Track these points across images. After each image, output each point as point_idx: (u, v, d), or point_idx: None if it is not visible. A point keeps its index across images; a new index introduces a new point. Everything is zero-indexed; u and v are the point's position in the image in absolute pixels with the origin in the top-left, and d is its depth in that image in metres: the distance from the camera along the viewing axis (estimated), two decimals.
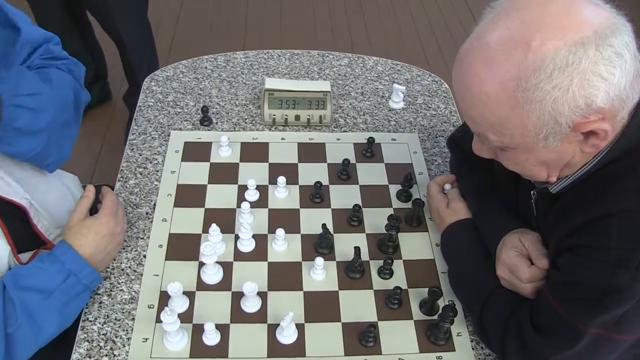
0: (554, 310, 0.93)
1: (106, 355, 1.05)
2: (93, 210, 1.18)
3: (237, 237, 1.24)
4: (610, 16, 0.79)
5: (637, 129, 0.85)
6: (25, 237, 1.14)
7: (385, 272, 1.20)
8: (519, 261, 1.02)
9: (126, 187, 1.36)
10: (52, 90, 1.12)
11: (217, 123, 1.54)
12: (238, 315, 1.12)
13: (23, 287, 1.01)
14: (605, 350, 0.91)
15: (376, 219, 1.30)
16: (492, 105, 0.83)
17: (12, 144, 1.06)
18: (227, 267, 1.19)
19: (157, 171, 1.40)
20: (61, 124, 1.15)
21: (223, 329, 1.09)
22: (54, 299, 1.03)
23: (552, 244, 0.98)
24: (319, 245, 1.24)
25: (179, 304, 1.11)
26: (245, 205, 1.26)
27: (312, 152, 1.48)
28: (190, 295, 1.14)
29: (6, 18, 1.09)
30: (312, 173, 1.41)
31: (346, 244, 1.25)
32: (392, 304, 1.15)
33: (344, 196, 1.37)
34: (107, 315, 1.11)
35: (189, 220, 1.29)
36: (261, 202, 1.34)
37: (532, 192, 1.05)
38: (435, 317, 1.12)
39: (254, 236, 1.23)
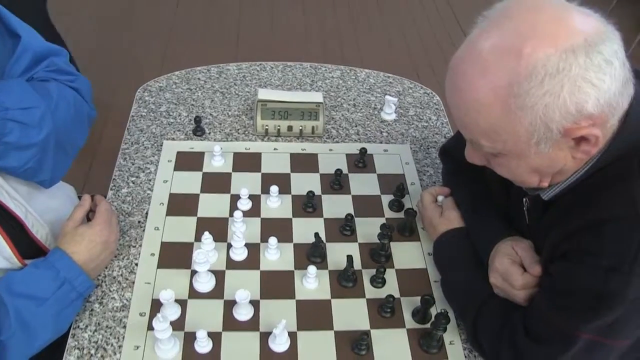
0: (546, 317, 0.93)
1: None
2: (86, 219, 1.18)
3: (229, 246, 1.24)
4: (599, 25, 0.81)
5: (627, 135, 0.86)
6: (28, 246, 1.12)
7: (378, 280, 1.20)
8: (512, 268, 1.03)
9: (118, 195, 1.36)
10: (50, 105, 1.07)
11: (209, 133, 1.55)
12: (230, 323, 1.11)
13: (17, 294, 1.00)
14: (600, 356, 0.91)
15: (369, 229, 1.31)
16: (485, 112, 0.84)
17: (0, 157, 1.02)
18: (219, 276, 1.19)
19: (150, 180, 1.40)
20: (58, 140, 1.10)
21: (215, 337, 1.08)
22: (48, 306, 1.02)
23: (544, 250, 0.98)
24: (312, 254, 1.24)
25: (171, 312, 1.10)
26: (237, 214, 1.26)
27: (304, 163, 1.48)
28: (182, 303, 1.13)
29: (7, 26, 1.08)
30: (305, 183, 1.42)
31: (339, 253, 1.25)
32: (384, 313, 1.15)
33: (337, 206, 1.37)
34: (98, 323, 1.10)
35: (182, 228, 1.28)
36: (254, 212, 1.34)
37: (524, 199, 1.06)
38: (428, 325, 1.12)
39: (246, 245, 1.23)
